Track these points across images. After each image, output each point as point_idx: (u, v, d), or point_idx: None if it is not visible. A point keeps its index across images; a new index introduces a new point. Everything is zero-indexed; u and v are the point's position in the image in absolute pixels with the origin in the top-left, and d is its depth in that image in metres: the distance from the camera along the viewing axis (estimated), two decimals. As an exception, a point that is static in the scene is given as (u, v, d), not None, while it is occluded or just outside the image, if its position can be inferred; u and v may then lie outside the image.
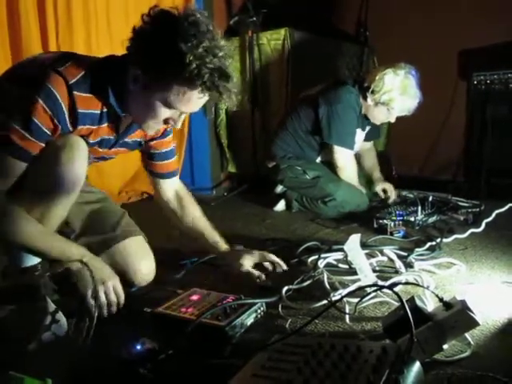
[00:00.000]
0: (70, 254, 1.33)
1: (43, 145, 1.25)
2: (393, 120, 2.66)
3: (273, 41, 3.44)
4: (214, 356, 1.15)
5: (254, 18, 3.39)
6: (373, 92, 2.56)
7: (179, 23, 1.16)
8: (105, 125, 1.37)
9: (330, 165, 2.77)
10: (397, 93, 2.50)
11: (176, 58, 1.15)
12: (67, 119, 1.25)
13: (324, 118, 2.66)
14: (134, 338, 1.15)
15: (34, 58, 1.33)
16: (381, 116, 2.66)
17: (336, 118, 2.62)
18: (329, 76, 3.37)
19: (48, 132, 1.23)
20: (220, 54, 1.19)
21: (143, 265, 1.59)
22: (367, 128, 2.83)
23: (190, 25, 1.16)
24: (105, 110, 1.33)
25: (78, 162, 1.31)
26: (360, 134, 2.80)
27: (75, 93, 1.23)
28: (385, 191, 2.84)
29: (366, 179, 2.93)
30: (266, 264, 1.66)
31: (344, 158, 2.71)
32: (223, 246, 1.68)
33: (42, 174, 1.28)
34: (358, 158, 2.92)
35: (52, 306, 1.17)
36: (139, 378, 1.05)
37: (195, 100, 1.24)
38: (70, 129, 1.28)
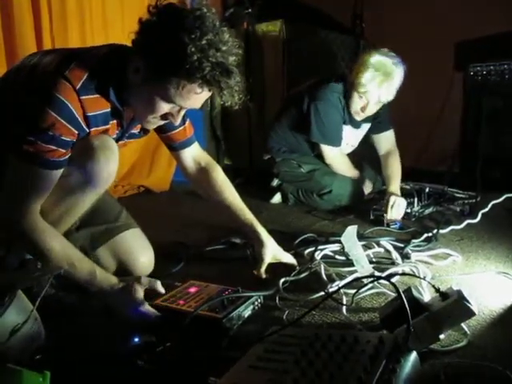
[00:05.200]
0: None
1: (70, 150, 1.26)
2: (367, 110, 2.49)
3: (268, 33, 3.44)
4: (212, 348, 1.15)
5: (250, 10, 3.38)
6: (350, 72, 2.47)
7: (185, 16, 1.15)
8: (114, 121, 1.37)
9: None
10: (366, 67, 2.35)
11: (177, 49, 1.13)
12: (83, 124, 1.25)
13: (307, 115, 2.63)
14: (131, 331, 1.16)
15: (37, 63, 1.29)
16: (354, 102, 2.50)
17: (317, 116, 2.58)
18: (325, 68, 3.37)
19: (71, 139, 1.24)
20: (223, 49, 1.17)
21: (143, 256, 1.60)
22: (363, 125, 2.73)
23: (195, 18, 1.15)
24: (112, 107, 1.32)
25: (113, 162, 1.35)
26: (353, 132, 2.73)
27: (83, 98, 1.22)
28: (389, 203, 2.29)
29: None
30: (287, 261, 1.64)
31: (330, 155, 2.69)
32: (258, 227, 1.61)
33: (75, 171, 1.31)
34: (381, 162, 2.71)
35: None
36: (137, 370, 1.05)
37: (195, 95, 1.21)
38: (87, 131, 1.28)
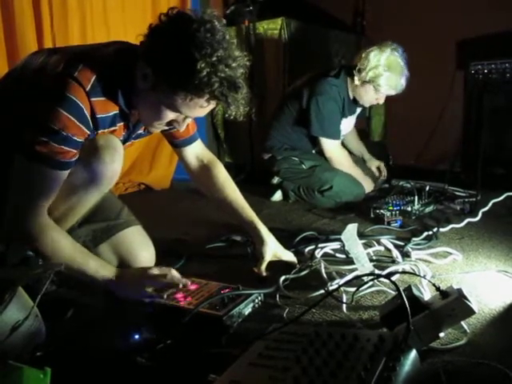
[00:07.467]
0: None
1: (79, 150, 1.27)
2: (381, 101, 2.67)
3: (269, 30, 3.43)
4: (212, 345, 1.15)
5: (251, 8, 3.38)
6: (359, 71, 2.57)
7: (195, 29, 1.15)
8: (121, 124, 1.38)
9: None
10: (382, 69, 2.49)
11: (188, 64, 1.13)
12: (91, 126, 1.26)
13: (307, 110, 2.69)
14: (131, 328, 1.16)
15: (44, 64, 1.29)
16: (368, 96, 2.66)
17: (317, 110, 2.65)
18: (326, 66, 3.35)
19: (81, 140, 1.25)
20: (233, 65, 1.18)
21: (144, 253, 1.60)
22: (358, 110, 2.87)
23: (206, 31, 1.15)
24: (119, 110, 1.33)
25: (118, 162, 1.36)
26: (350, 119, 2.85)
27: (92, 99, 1.23)
28: (379, 169, 2.98)
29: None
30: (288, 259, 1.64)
31: (330, 149, 2.74)
32: (259, 225, 1.61)
33: (80, 170, 1.32)
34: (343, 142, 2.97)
35: None
36: (137, 367, 1.06)
37: (201, 107, 1.23)
38: (94, 132, 1.29)
